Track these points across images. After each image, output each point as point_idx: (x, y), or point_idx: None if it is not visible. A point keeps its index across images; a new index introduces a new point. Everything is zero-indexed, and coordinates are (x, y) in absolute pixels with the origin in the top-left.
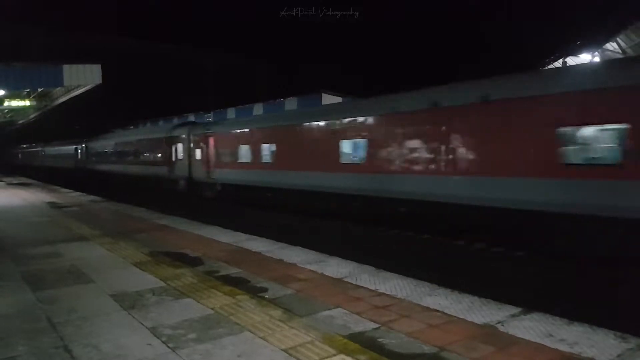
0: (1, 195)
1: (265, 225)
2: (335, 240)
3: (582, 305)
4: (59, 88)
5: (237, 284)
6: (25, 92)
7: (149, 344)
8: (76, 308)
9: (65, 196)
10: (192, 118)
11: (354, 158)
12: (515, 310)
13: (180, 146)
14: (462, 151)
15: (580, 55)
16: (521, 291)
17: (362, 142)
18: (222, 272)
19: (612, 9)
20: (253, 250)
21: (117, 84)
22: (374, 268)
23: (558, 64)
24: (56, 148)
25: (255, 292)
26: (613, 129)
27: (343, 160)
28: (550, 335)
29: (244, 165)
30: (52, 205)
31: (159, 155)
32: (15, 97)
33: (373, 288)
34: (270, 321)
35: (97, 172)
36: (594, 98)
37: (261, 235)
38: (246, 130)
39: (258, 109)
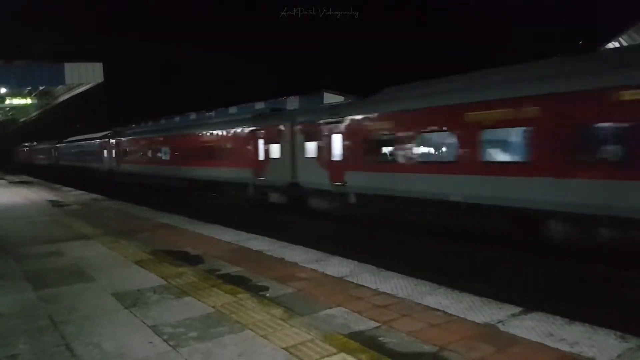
0: (3, 193)
1: (266, 224)
2: (336, 239)
3: (583, 305)
4: (60, 87)
5: (238, 282)
6: (26, 90)
7: (150, 343)
8: (78, 307)
9: (67, 195)
10: (192, 116)
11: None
12: (515, 309)
13: (106, 147)
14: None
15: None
16: (522, 291)
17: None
18: (223, 271)
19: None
20: (254, 249)
21: (118, 82)
22: (375, 267)
23: None
24: (39, 148)
25: (256, 291)
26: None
27: (166, 158)
28: (551, 334)
29: (128, 161)
30: (54, 203)
31: (97, 153)
32: (17, 95)
33: (374, 287)
34: (271, 320)
35: (66, 167)
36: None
37: (262, 234)
38: (128, 138)
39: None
